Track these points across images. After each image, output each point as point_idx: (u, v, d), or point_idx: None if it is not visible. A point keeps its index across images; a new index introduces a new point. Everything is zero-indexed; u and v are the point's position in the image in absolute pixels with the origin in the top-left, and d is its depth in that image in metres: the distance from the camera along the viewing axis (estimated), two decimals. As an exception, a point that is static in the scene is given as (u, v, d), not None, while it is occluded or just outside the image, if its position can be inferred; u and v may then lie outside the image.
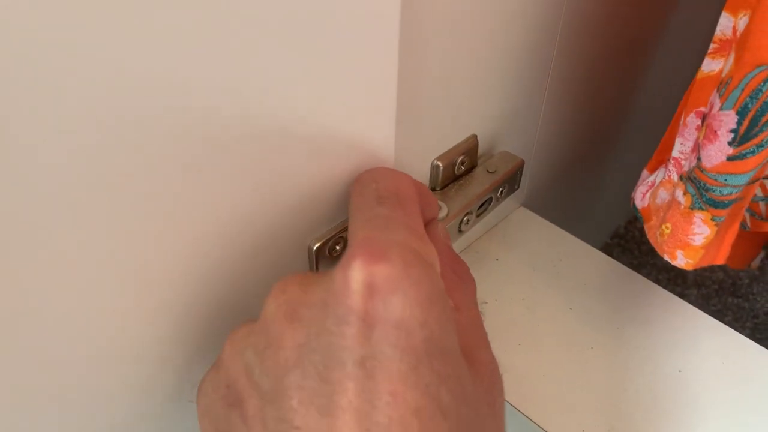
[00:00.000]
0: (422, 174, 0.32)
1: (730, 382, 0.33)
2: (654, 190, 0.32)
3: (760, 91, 0.24)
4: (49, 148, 0.15)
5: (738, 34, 0.26)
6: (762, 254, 0.76)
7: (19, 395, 0.19)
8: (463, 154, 0.33)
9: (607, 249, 0.78)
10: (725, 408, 0.32)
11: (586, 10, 0.37)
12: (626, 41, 0.45)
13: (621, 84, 0.50)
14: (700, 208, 0.28)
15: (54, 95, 0.15)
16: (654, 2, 0.46)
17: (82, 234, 0.17)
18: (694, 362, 0.34)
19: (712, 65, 0.28)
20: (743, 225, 0.41)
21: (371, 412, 0.16)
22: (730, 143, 0.25)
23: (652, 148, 0.34)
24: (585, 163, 0.53)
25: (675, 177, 0.30)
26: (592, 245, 0.41)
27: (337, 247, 0.26)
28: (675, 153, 0.30)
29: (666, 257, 0.31)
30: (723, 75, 0.26)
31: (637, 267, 0.77)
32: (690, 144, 0.29)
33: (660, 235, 0.31)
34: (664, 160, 0.33)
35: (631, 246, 0.79)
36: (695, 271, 0.30)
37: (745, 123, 0.25)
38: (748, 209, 0.40)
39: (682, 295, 0.72)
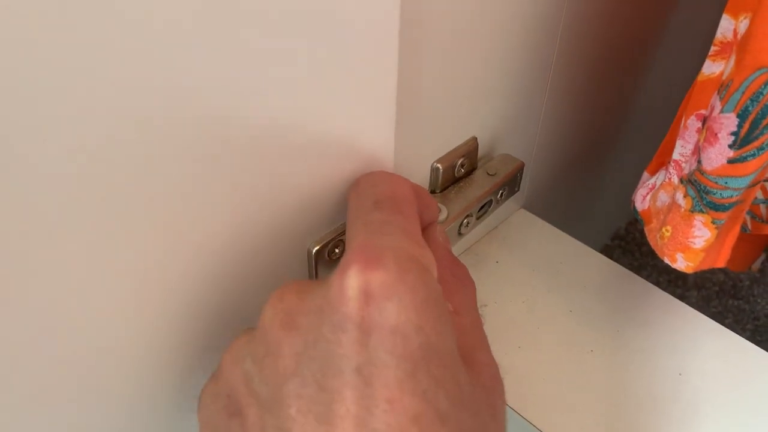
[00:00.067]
0: (422, 176, 0.32)
1: (730, 385, 0.33)
2: (654, 193, 0.32)
3: (761, 94, 0.24)
4: (51, 150, 0.15)
5: (739, 36, 0.26)
6: (763, 257, 0.75)
7: (16, 406, 0.19)
8: (462, 156, 0.33)
9: (607, 250, 0.78)
10: (725, 410, 0.32)
11: (587, 11, 0.37)
12: (626, 42, 0.45)
13: (621, 85, 0.50)
14: (701, 211, 0.28)
15: (54, 95, 0.15)
16: (654, 3, 0.46)
17: (81, 238, 0.17)
18: (694, 364, 0.34)
19: (712, 68, 0.28)
20: (744, 228, 0.41)
21: (369, 419, 0.16)
22: (730, 146, 0.25)
23: (653, 149, 0.34)
24: (585, 164, 0.53)
25: (675, 180, 0.30)
26: (592, 247, 0.41)
27: (337, 250, 0.26)
28: (675, 155, 0.30)
29: (666, 260, 0.30)
30: (724, 78, 0.26)
31: (638, 268, 0.77)
32: (690, 147, 0.29)
33: (660, 238, 0.31)
34: (664, 163, 0.33)
35: (631, 247, 0.79)
36: (696, 273, 0.30)
37: (746, 126, 0.25)
38: (749, 212, 0.40)
39: (682, 297, 0.73)
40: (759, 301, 0.75)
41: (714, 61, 0.28)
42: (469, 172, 0.34)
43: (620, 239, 0.79)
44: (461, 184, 0.33)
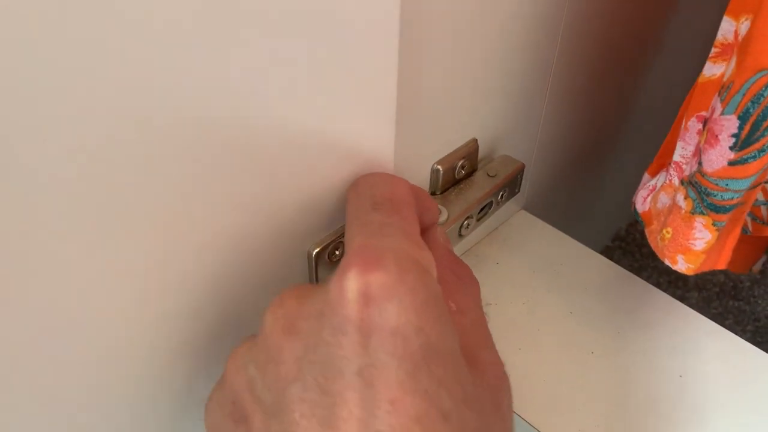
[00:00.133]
0: (422, 178, 0.32)
1: (730, 386, 0.33)
2: (655, 195, 0.32)
3: (762, 95, 0.24)
4: (51, 150, 0.15)
5: (740, 38, 0.26)
6: (764, 258, 0.75)
7: (16, 406, 0.19)
8: (463, 158, 0.33)
9: (608, 252, 0.78)
10: (726, 411, 0.32)
11: (588, 11, 0.37)
12: (627, 42, 0.45)
13: (621, 85, 0.50)
14: (702, 213, 0.28)
15: (54, 95, 0.15)
16: (654, 3, 0.46)
17: (82, 238, 0.17)
18: (695, 366, 0.34)
19: (713, 69, 0.28)
20: (745, 229, 0.41)
21: (372, 421, 0.16)
22: (731, 148, 0.25)
23: (653, 150, 0.34)
24: (585, 165, 0.53)
25: (676, 181, 0.30)
26: (593, 248, 0.41)
27: (337, 252, 0.26)
28: (676, 157, 0.30)
29: (667, 262, 0.30)
30: (724, 79, 0.26)
31: (638, 270, 0.77)
32: (691, 148, 0.29)
33: (661, 240, 0.30)
34: (665, 164, 0.33)
35: (632, 249, 0.79)
36: (696, 274, 0.30)
37: (747, 128, 0.25)
38: (750, 213, 0.40)
39: (682, 298, 0.73)
40: (759, 302, 0.75)
41: (715, 62, 0.28)
42: (470, 174, 0.34)
43: (621, 240, 0.79)
44: (461, 185, 0.33)
